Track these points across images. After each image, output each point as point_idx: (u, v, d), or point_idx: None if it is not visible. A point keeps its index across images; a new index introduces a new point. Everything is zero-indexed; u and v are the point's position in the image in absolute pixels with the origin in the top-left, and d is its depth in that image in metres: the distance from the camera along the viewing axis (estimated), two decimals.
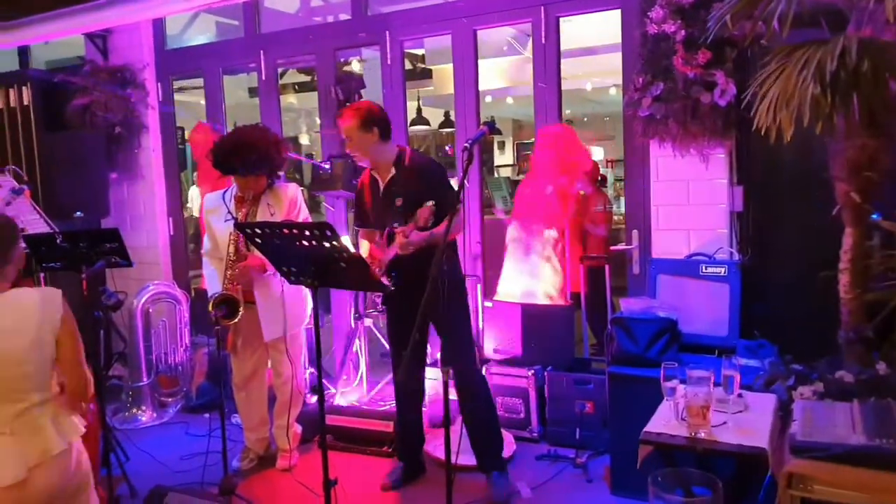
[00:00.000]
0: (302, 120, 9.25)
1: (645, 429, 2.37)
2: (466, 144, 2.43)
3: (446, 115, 8.32)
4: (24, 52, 5.99)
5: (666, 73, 3.43)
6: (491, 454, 3.28)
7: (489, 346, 4.05)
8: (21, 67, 5.95)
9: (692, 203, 3.68)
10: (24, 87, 5.16)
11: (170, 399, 4.78)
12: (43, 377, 2.08)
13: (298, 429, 3.82)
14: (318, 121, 9.16)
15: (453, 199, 2.73)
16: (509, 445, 3.68)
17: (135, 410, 4.57)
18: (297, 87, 7.99)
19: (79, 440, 2.17)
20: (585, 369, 3.88)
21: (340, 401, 4.42)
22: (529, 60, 4.35)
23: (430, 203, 2.88)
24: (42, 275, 4.67)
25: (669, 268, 3.57)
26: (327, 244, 2.35)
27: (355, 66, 6.09)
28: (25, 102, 5.15)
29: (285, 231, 2.47)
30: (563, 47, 4.09)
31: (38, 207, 4.42)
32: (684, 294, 3.46)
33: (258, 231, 2.57)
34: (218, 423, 3.41)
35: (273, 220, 3.26)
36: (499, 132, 2.77)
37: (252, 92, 7.32)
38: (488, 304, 4.09)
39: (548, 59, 4.02)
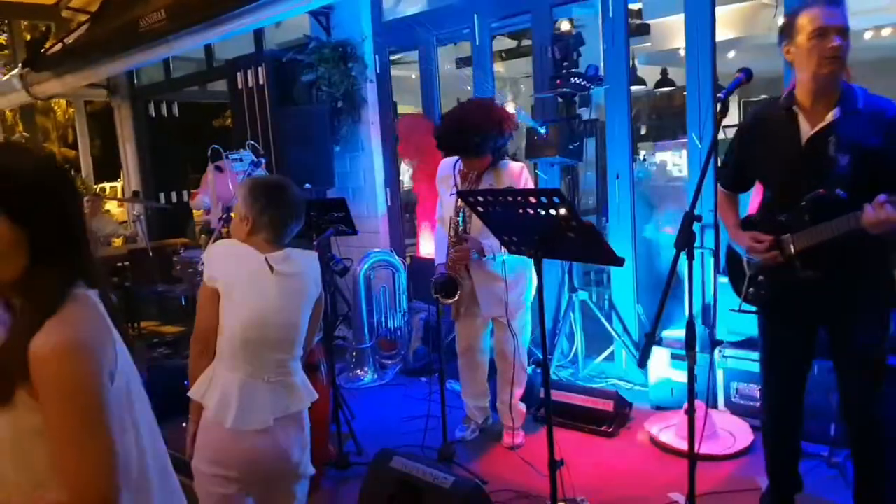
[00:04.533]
0: (507, 88, 9.13)
1: None
2: (720, 95, 2.11)
3: (664, 72, 7.69)
4: (258, 37, 6.49)
5: None
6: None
7: (723, 327, 3.67)
8: (256, 50, 6.45)
9: None
10: (259, 68, 5.58)
11: (389, 362, 4.97)
12: (304, 335, 2.16)
13: (523, 407, 3.66)
14: (522, 88, 9.01)
15: None
16: (747, 435, 3.33)
17: (358, 371, 4.81)
18: (504, 54, 7.85)
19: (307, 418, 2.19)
20: None
21: (553, 376, 4.29)
22: (766, 6, 3.81)
23: None
24: None
25: None
26: (555, 211, 2.18)
27: (564, 27, 5.81)
28: (261, 82, 5.57)
29: (509, 198, 2.34)
30: None
31: None
32: None
33: (480, 199, 2.48)
34: (436, 387, 3.44)
35: None
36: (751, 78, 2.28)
37: (459, 63, 7.32)
38: (722, 279, 3.69)
39: None
